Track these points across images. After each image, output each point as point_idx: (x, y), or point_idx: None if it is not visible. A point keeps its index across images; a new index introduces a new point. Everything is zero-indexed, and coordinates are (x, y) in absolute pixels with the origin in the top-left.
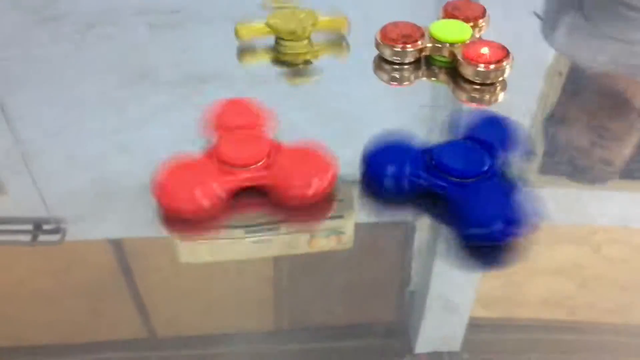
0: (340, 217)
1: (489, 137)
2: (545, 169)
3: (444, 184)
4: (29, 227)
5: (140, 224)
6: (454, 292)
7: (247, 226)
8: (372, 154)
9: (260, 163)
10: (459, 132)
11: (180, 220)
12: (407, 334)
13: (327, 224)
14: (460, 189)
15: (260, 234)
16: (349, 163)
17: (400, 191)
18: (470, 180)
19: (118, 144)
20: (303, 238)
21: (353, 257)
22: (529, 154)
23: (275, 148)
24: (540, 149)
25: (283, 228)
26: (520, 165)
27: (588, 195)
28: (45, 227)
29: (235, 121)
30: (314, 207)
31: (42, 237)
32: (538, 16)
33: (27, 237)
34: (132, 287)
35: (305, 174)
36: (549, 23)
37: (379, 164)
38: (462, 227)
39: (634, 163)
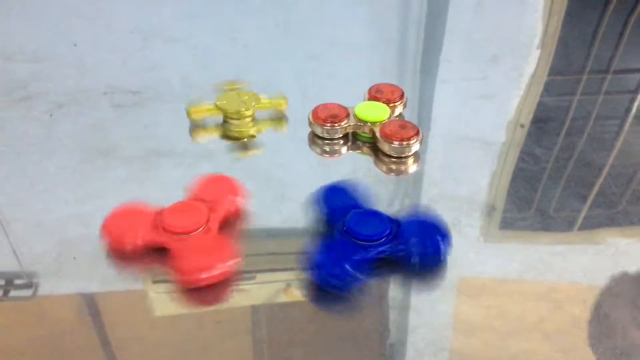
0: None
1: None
2: (506, 224)
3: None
4: (1, 282)
5: (107, 278)
6: (431, 348)
7: None
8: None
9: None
10: (320, 206)
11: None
12: None
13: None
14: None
15: (236, 284)
16: (281, 224)
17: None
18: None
19: (80, 213)
20: (279, 287)
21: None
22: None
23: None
24: (501, 204)
25: (259, 277)
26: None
27: (549, 251)
28: (17, 282)
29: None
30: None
31: (14, 292)
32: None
33: None
34: (105, 343)
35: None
36: None
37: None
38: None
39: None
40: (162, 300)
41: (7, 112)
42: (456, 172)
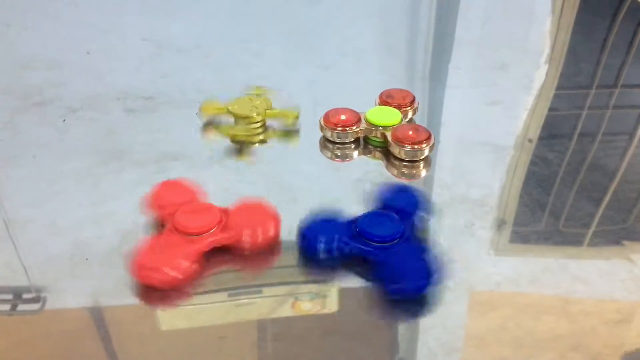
0: (324, 281)
1: (401, 204)
2: (516, 238)
3: (367, 248)
4: (9, 296)
5: (117, 291)
6: None
7: (229, 289)
8: (306, 227)
9: (214, 228)
10: (378, 203)
11: (157, 291)
12: None
13: (311, 287)
14: (380, 251)
15: (243, 297)
16: (292, 229)
17: (332, 257)
18: (387, 244)
19: (94, 215)
20: (286, 301)
21: (338, 321)
22: (430, 215)
23: (224, 212)
24: (510, 216)
25: (265, 291)
26: (425, 225)
27: (559, 264)
28: (25, 296)
29: (171, 199)
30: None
31: (22, 307)
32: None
33: (6, 307)
34: (112, 356)
35: (253, 225)
36: None
37: (313, 235)
38: (384, 284)
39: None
40: (169, 315)
41: (23, 116)
42: (467, 175)
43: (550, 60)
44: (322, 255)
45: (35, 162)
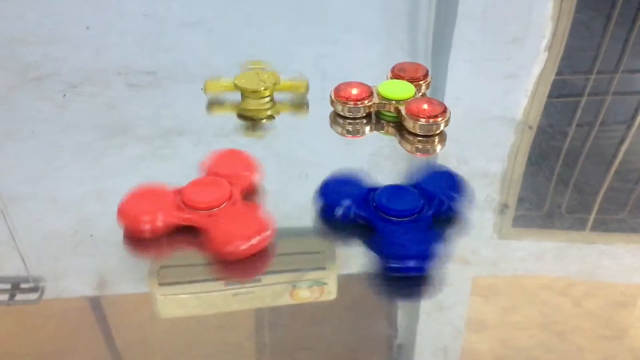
0: (323, 268)
1: (433, 186)
2: (518, 221)
3: (378, 219)
4: (7, 286)
5: (119, 272)
6: (441, 349)
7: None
8: (326, 185)
9: (215, 208)
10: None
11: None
12: None
13: (310, 275)
14: (390, 225)
15: (241, 286)
16: (302, 205)
17: (345, 220)
18: (399, 219)
19: (95, 192)
20: (285, 289)
21: (337, 309)
22: (469, 202)
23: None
24: (513, 200)
25: (264, 279)
26: (458, 212)
27: (564, 247)
28: (23, 285)
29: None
30: (248, 263)
31: (20, 296)
32: None
33: (4, 297)
34: (111, 344)
35: (242, 233)
36: None
37: (331, 194)
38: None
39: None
40: (168, 303)
41: (21, 91)
42: (481, 150)
43: (550, 47)
44: (333, 213)
45: (34, 137)
